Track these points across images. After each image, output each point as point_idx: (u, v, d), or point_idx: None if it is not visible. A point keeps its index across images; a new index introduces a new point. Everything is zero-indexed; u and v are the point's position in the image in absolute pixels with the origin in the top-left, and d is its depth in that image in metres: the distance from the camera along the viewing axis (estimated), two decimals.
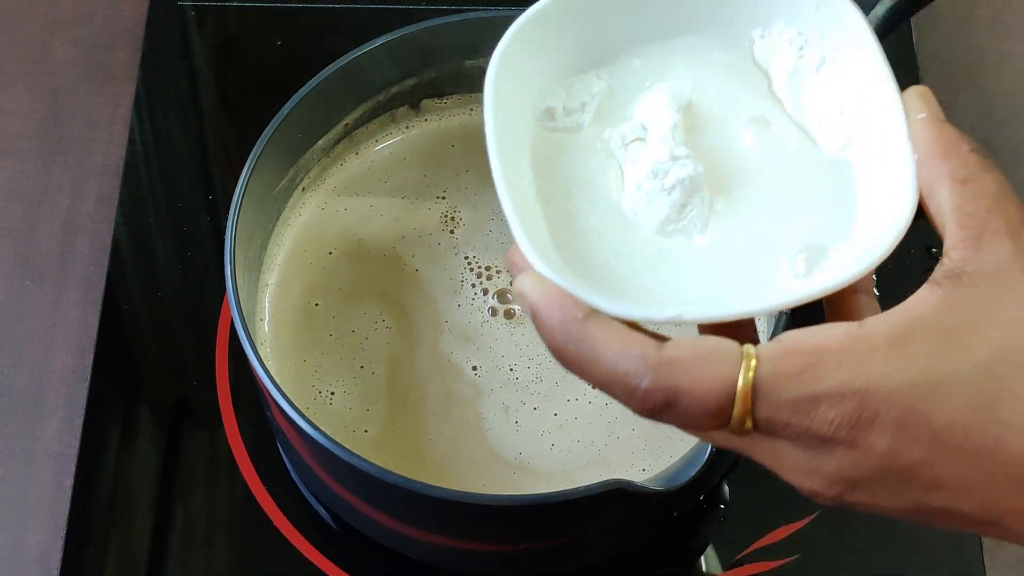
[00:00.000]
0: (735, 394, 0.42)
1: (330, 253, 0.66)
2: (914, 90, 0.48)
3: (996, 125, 0.76)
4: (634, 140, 0.50)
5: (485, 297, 0.65)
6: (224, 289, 0.56)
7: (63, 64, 0.78)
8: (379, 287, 0.65)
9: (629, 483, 0.52)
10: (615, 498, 0.53)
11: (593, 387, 0.46)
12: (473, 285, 0.65)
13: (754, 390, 0.42)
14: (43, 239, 0.72)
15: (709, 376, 0.42)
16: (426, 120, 0.69)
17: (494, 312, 0.64)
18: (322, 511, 0.65)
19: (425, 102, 0.69)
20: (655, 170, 0.49)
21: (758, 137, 0.51)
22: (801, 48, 0.52)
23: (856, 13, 0.51)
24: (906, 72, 0.77)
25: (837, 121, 0.50)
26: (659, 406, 0.42)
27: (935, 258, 0.69)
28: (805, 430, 0.42)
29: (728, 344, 0.43)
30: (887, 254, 0.45)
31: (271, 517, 0.64)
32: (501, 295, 0.65)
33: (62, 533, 0.64)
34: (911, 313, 0.42)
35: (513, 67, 0.50)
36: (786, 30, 0.52)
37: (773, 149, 0.50)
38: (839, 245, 0.48)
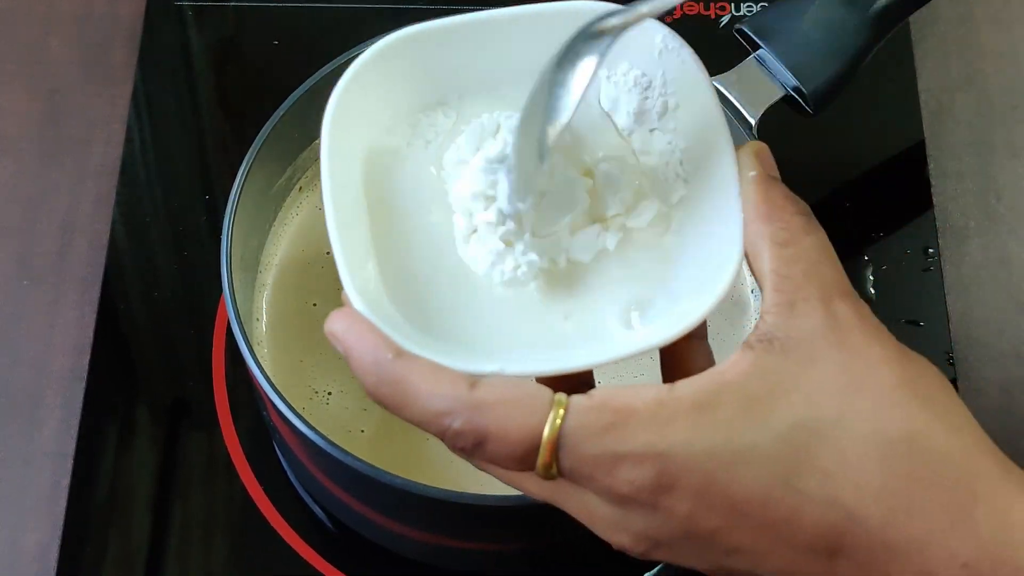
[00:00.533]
0: (540, 442, 0.42)
1: (327, 253, 0.65)
2: (749, 147, 0.49)
3: (994, 123, 0.76)
4: (461, 179, 0.50)
5: None
6: (221, 289, 0.56)
7: (60, 64, 0.78)
8: None
9: None
10: None
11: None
12: None
13: (558, 440, 0.42)
14: (40, 239, 0.72)
15: (517, 422, 0.42)
16: None
17: None
18: (319, 511, 0.65)
19: None
20: (473, 211, 0.49)
21: (597, 181, 0.50)
22: (645, 90, 0.51)
23: (696, 63, 0.51)
24: (904, 71, 0.77)
25: (676, 170, 0.50)
26: (468, 446, 0.43)
27: (933, 258, 0.69)
28: (608, 487, 0.42)
29: (540, 391, 0.43)
30: (708, 312, 0.46)
31: (268, 517, 0.64)
32: None
33: (59, 533, 0.64)
34: (720, 378, 0.43)
35: (355, 103, 0.50)
36: (631, 71, 0.52)
37: (609, 196, 0.50)
38: (666, 301, 0.48)
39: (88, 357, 0.68)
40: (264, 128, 0.61)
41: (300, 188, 0.66)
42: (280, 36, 0.78)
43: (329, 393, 0.62)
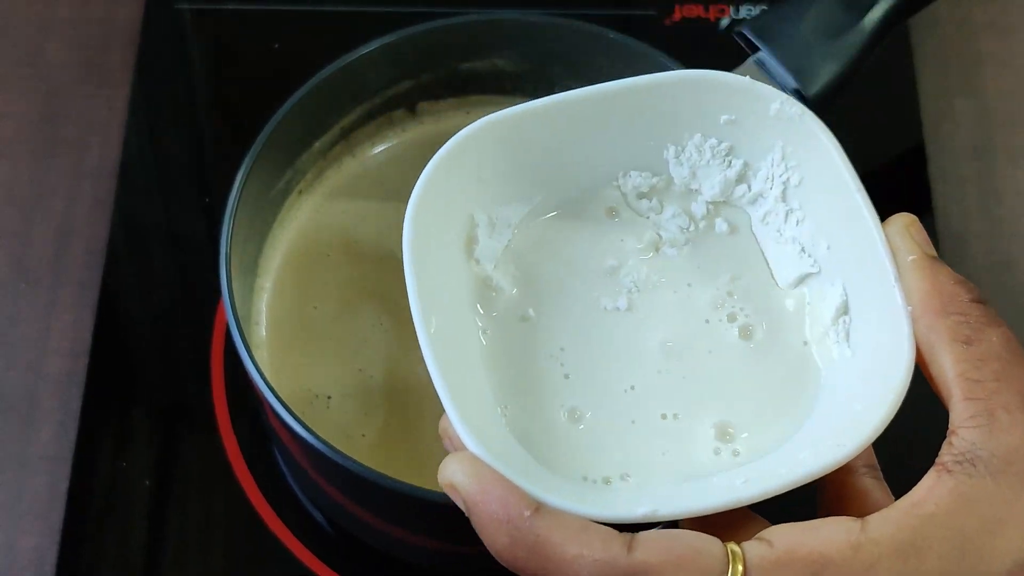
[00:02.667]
0: None
1: (327, 256, 0.65)
2: (898, 221, 0.43)
3: (994, 127, 0.76)
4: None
5: None
6: (220, 293, 0.56)
7: (58, 66, 0.78)
8: (376, 290, 0.65)
9: None
10: None
11: None
12: None
13: None
14: (38, 242, 0.72)
15: None
16: (422, 123, 0.69)
17: None
18: (318, 515, 0.64)
19: (421, 105, 0.68)
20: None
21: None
22: (770, 172, 0.47)
23: (823, 131, 0.46)
24: (904, 76, 0.77)
25: (810, 252, 0.46)
26: None
27: None
28: None
29: (710, 544, 0.37)
30: (885, 423, 0.40)
31: (267, 521, 0.64)
32: None
33: (57, 538, 0.64)
34: (920, 511, 0.37)
35: (437, 201, 0.45)
36: (720, 144, 0.48)
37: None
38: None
39: (86, 360, 0.68)
40: (263, 131, 0.61)
41: (299, 192, 0.66)
42: (279, 39, 0.78)
43: (329, 397, 0.62)
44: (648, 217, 0.49)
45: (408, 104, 0.68)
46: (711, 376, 0.45)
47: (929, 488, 0.37)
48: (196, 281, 0.71)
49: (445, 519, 0.56)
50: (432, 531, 0.59)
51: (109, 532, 0.64)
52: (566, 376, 0.45)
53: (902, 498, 0.38)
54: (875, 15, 0.64)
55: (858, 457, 0.40)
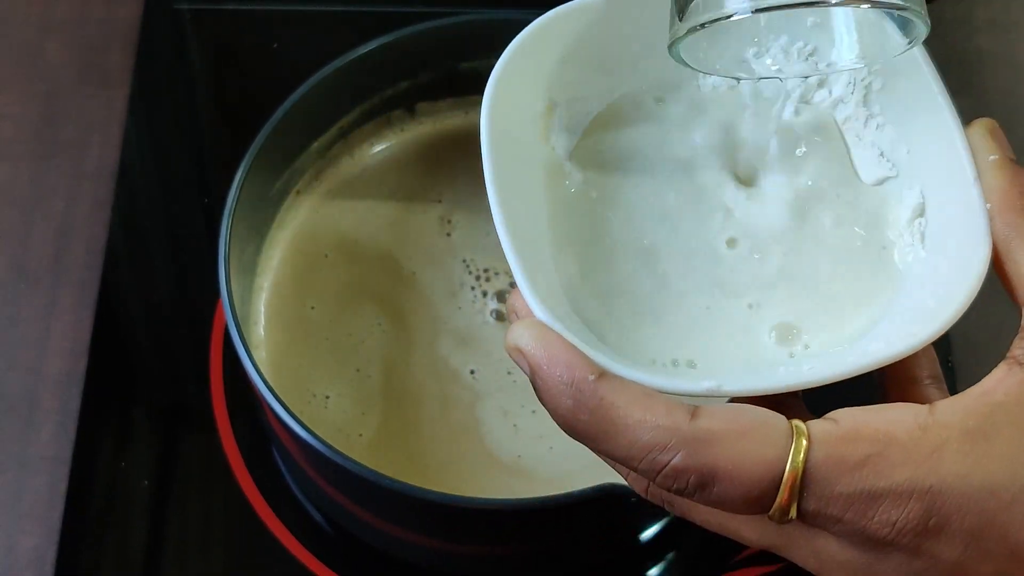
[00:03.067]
0: (781, 480, 0.36)
1: (326, 256, 0.65)
2: (981, 125, 0.43)
3: None
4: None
5: (485, 299, 0.65)
6: (219, 293, 0.56)
7: (57, 67, 0.78)
8: (375, 290, 0.65)
9: (623, 486, 0.52)
10: (609, 501, 0.52)
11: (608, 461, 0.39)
12: (472, 288, 0.65)
13: (804, 478, 0.36)
14: (37, 243, 0.72)
15: (752, 457, 0.36)
16: (421, 123, 0.69)
17: (495, 314, 0.64)
18: (317, 515, 0.64)
19: (420, 105, 0.69)
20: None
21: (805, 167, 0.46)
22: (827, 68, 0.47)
23: (901, 34, 0.45)
24: None
25: (888, 156, 0.46)
26: (692, 486, 0.37)
27: None
28: (860, 529, 0.36)
29: (774, 418, 0.37)
30: (958, 315, 0.40)
31: (266, 521, 0.64)
32: (500, 296, 0.65)
33: (56, 538, 0.64)
34: (989, 399, 0.37)
35: (518, 75, 0.45)
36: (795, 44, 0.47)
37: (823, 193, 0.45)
38: (900, 308, 0.42)
39: (85, 361, 0.68)
40: (262, 132, 0.61)
41: (298, 192, 0.66)
42: (278, 39, 0.78)
43: (327, 397, 0.62)
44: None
45: (407, 104, 0.68)
46: (789, 269, 0.45)
47: (999, 379, 0.37)
48: (195, 281, 0.71)
49: (443, 518, 0.56)
50: (430, 530, 0.59)
51: (108, 532, 0.64)
52: (638, 263, 0.44)
53: (972, 387, 0.38)
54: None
55: (923, 368, 0.41)
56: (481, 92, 0.68)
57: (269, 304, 0.64)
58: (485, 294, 0.65)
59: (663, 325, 0.43)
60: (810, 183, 0.46)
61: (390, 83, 0.67)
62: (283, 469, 0.65)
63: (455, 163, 0.68)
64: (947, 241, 0.42)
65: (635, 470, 0.38)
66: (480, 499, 0.54)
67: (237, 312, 0.56)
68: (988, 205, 0.41)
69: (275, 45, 0.78)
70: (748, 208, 0.46)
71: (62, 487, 0.65)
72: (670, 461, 0.36)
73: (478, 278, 0.65)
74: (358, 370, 0.62)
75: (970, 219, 0.41)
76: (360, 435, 0.61)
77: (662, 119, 0.48)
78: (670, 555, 0.64)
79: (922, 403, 0.39)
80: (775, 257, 0.45)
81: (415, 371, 0.62)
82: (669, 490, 0.37)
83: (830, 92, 0.48)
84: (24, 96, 0.77)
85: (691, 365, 0.42)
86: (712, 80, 0.48)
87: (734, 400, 0.39)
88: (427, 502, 0.53)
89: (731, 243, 0.45)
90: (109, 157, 0.74)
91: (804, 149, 0.47)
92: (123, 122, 0.75)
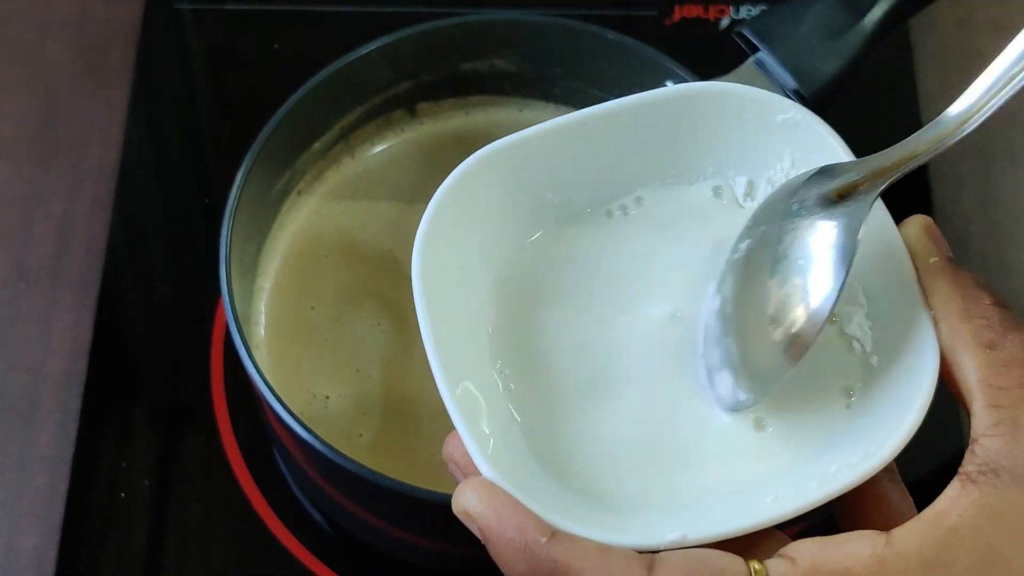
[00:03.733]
0: None
1: (326, 256, 0.65)
2: (916, 224, 0.42)
3: (993, 128, 0.76)
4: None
5: None
6: (219, 293, 0.56)
7: (57, 66, 0.78)
8: (375, 291, 0.65)
9: None
10: None
11: None
12: None
13: None
14: (37, 243, 0.72)
15: None
16: (422, 123, 0.69)
17: None
18: (317, 515, 0.65)
19: (421, 105, 0.69)
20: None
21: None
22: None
23: (830, 134, 0.45)
24: (904, 76, 0.77)
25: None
26: None
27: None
28: None
29: (732, 564, 0.36)
30: (913, 430, 0.39)
31: (267, 521, 0.64)
32: None
33: (57, 538, 0.64)
34: (944, 523, 0.36)
35: (454, 226, 0.44)
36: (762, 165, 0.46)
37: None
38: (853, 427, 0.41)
39: (86, 361, 0.68)
40: (263, 132, 0.61)
41: (299, 192, 0.66)
42: (279, 40, 0.78)
43: (327, 397, 0.62)
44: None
45: (408, 104, 0.68)
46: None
47: (953, 499, 0.36)
48: (196, 281, 0.71)
49: (443, 519, 0.56)
50: (430, 531, 0.59)
51: (109, 532, 0.64)
52: (582, 385, 0.44)
53: (926, 510, 0.37)
54: (875, 15, 0.64)
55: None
56: (482, 92, 0.69)
57: (269, 304, 0.64)
58: None
59: (614, 453, 0.42)
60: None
61: (391, 83, 0.67)
62: (283, 469, 0.65)
63: (455, 163, 0.68)
64: (895, 349, 0.41)
65: None
66: None
67: (238, 312, 0.56)
68: (932, 311, 0.40)
69: (276, 45, 0.78)
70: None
71: (63, 487, 0.65)
72: None
73: None
74: (358, 370, 0.62)
75: (916, 326, 0.40)
76: (360, 435, 0.61)
77: (598, 234, 0.47)
78: None
79: (876, 500, 0.39)
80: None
81: (416, 371, 0.62)
82: None
83: (754, 200, 0.47)
84: (24, 96, 0.77)
85: (645, 499, 0.41)
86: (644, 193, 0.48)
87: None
88: (428, 502, 0.53)
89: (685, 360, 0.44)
90: (109, 157, 0.74)
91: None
92: (124, 122, 0.75)
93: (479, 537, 0.38)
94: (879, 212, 0.43)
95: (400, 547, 0.62)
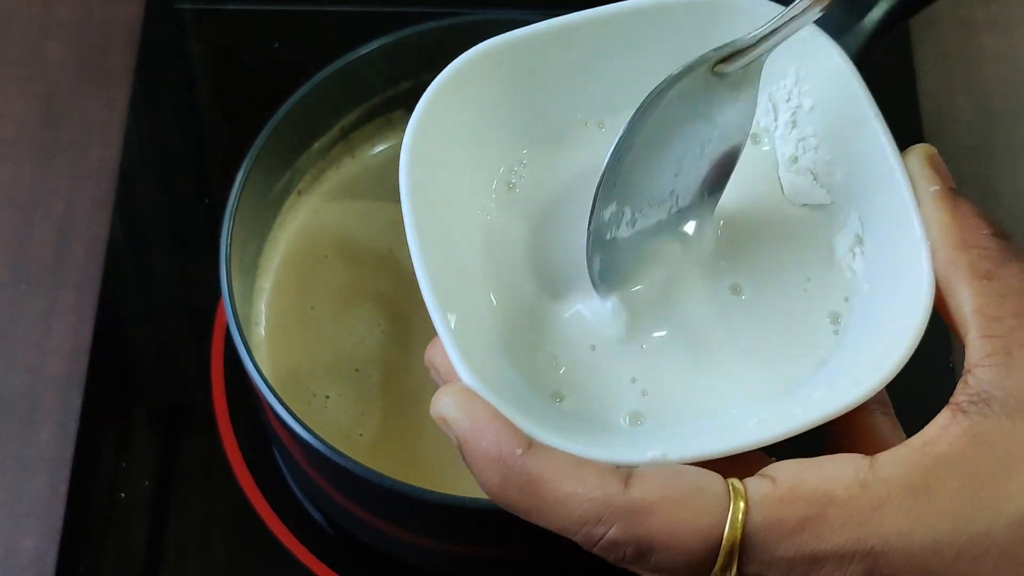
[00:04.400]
0: (719, 547, 0.35)
1: (326, 256, 0.65)
2: (919, 152, 0.41)
3: (995, 126, 0.76)
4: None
5: None
6: (219, 293, 0.56)
7: (58, 67, 0.78)
8: (375, 290, 0.65)
9: None
10: None
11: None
12: None
13: (743, 543, 0.35)
14: (37, 243, 0.72)
15: (689, 525, 0.35)
16: None
17: None
18: (317, 515, 0.65)
19: None
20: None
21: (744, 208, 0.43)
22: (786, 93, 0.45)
23: (838, 53, 0.44)
24: (904, 75, 0.77)
25: (823, 182, 0.44)
26: (630, 557, 0.36)
27: None
28: None
29: (710, 480, 0.36)
30: (904, 360, 0.38)
31: (267, 522, 0.64)
32: None
33: (57, 538, 0.64)
34: (931, 451, 0.35)
35: (444, 131, 0.42)
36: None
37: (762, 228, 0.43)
38: (844, 356, 0.40)
39: (86, 361, 0.68)
40: (263, 132, 0.61)
41: (299, 192, 0.66)
42: (279, 40, 0.78)
43: (327, 397, 0.62)
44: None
45: (408, 105, 0.68)
46: (723, 315, 0.43)
47: (943, 427, 0.36)
48: (196, 281, 0.71)
49: (443, 519, 0.56)
50: (430, 531, 0.59)
51: (109, 532, 0.64)
52: (570, 306, 0.43)
53: (913, 437, 0.36)
54: (875, 15, 0.64)
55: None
56: None
57: (270, 304, 0.64)
58: None
59: (598, 371, 0.41)
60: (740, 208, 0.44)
61: (391, 83, 0.66)
62: (284, 469, 0.65)
63: None
64: (888, 277, 0.41)
65: (575, 539, 0.37)
66: (480, 499, 0.54)
67: (238, 313, 0.56)
68: (928, 240, 0.39)
69: (276, 45, 0.78)
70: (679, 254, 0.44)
71: (63, 487, 0.65)
72: (605, 534, 0.36)
73: None
74: (358, 370, 0.62)
75: (911, 255, 0.39)
76: (360, 435, 0.61)
77: (591, 154, 0.45)
78: None
79: (866, 432, 0.38)
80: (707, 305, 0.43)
81: (416, 371, 0.62)
82: (608, 560, 0.37)
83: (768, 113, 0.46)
84: (25, 96, 0.77)
85: (636, 417, 0.40)
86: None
87: None
88: (428, 502, 0.53)
89: (668, 287, 0.43)
90: (110, 157, 0.74)
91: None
92: (124, 122, 0.75)
93: (455, 443, 0.37)
94: (883, 140, 0.42)
95: (400, 547, 0.62)
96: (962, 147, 0.75)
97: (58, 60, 0.78)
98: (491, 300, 0.41)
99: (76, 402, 0.67)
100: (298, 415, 0.54)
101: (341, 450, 0.54)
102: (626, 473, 0.36)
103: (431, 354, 0.39)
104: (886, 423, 0.40)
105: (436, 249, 0.40)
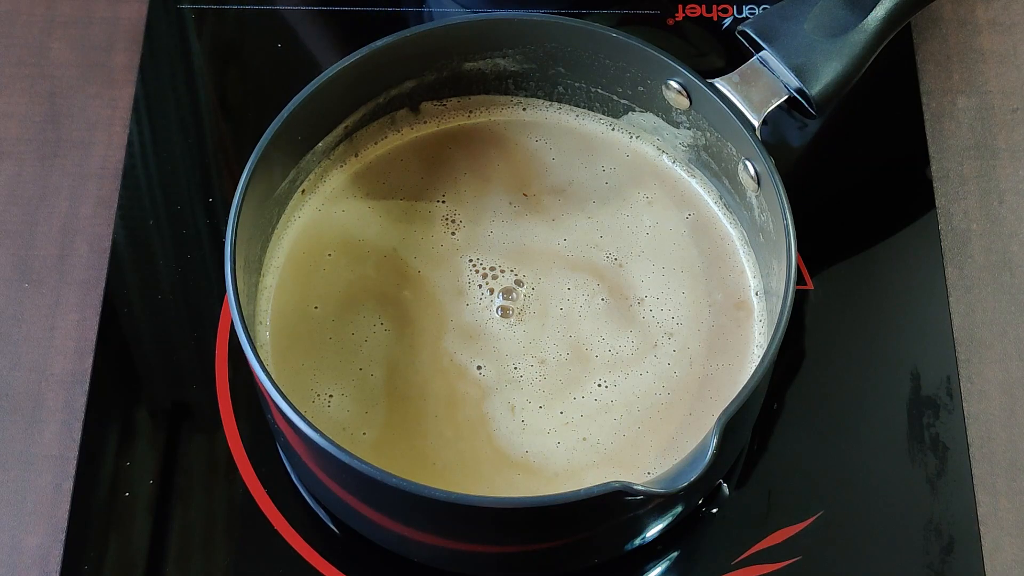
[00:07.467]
0: None
1: (329, 256, 0.66)
2: None
3: (996, 125, 0.76)
4: None
5: (491, 297, 0.65)
6: (223, 292, 0.56)
7: (61, 66, 0.78)
8: (379, 289, 0.65)
9: (628, 485, 0.52)
10: (615, 500, 0.53)
11: None
12: (479, 286, 0.65)
13: None
14: (41, 242, 0.72)
15: None
16: (425, 123, 0.69)
17: (503, 311, 0.64)
18: (322, 513, 0.65)
19: (424, 105, 0.69)
20: None
21: None
22: None
23: None
24: (906, 74, 0.77)
25: None
26: None
27: (936, 260, 0.68)
28: None
29: None
30: None
31: (271, 520, 0.64)
32: (507, 294, 0.65)
33: (61, 536, 0.64)
34: None
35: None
36: None
37: None
38: None
39: (90, 360, 0.68)
40: (267, 131, 0.61)
41: (303, 191, 0.66)
42: (282, 40, 0.78)
43: (331, 396, 0.62)
44: None
45: (411, 104, 0.68)
46: None
47: None
48: (200, 281, 0.71)
49: (446, 516, 0.56)
50: (435, 528, 0.59)
51: (113, 530, 0.64)
52: None
53: None
54: (878, 14, 0.64)
55: None
56: (485, 91, 0.69)
57: (273, 304, 0.64)
58: (492, 291, 0.65)
59: None
60: None
61: (395, 83, 0.67)
62: (288, 468, 0.65)
63: (459, 162, 0.69)
64: None
65: None
66: (485, 498, 0.54)
67: (243, 311, 0.56)
68: None
69: (279, 45, 0.78)
70: None
71: (67, 486, 0.65)
72: None
73: (484, 276, 0.65)
74: (361, 369, 0.63)
75: None
76: (364, 433, 0.61)
77: None
78: (673, 554, 0.64)
79: None
80: None
81: (419, 369, 0.62)
82: None
83: None
84: (28, 95, 0.77)
85: None
86: None
87: None
88: (432, 500, 0.53)
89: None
90: (113, 156, 0.75)
91: None
92: (127, 121, 0.75)
93: None
94: None
95: (404, 545, 0.62)
96: (964, 146, 0.75)
97: (62, 59, 0.78)
98: None
99: (80, 400, 0.67)
100: (302, 414, 0.54)
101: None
102: None
103: None
104: None
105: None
